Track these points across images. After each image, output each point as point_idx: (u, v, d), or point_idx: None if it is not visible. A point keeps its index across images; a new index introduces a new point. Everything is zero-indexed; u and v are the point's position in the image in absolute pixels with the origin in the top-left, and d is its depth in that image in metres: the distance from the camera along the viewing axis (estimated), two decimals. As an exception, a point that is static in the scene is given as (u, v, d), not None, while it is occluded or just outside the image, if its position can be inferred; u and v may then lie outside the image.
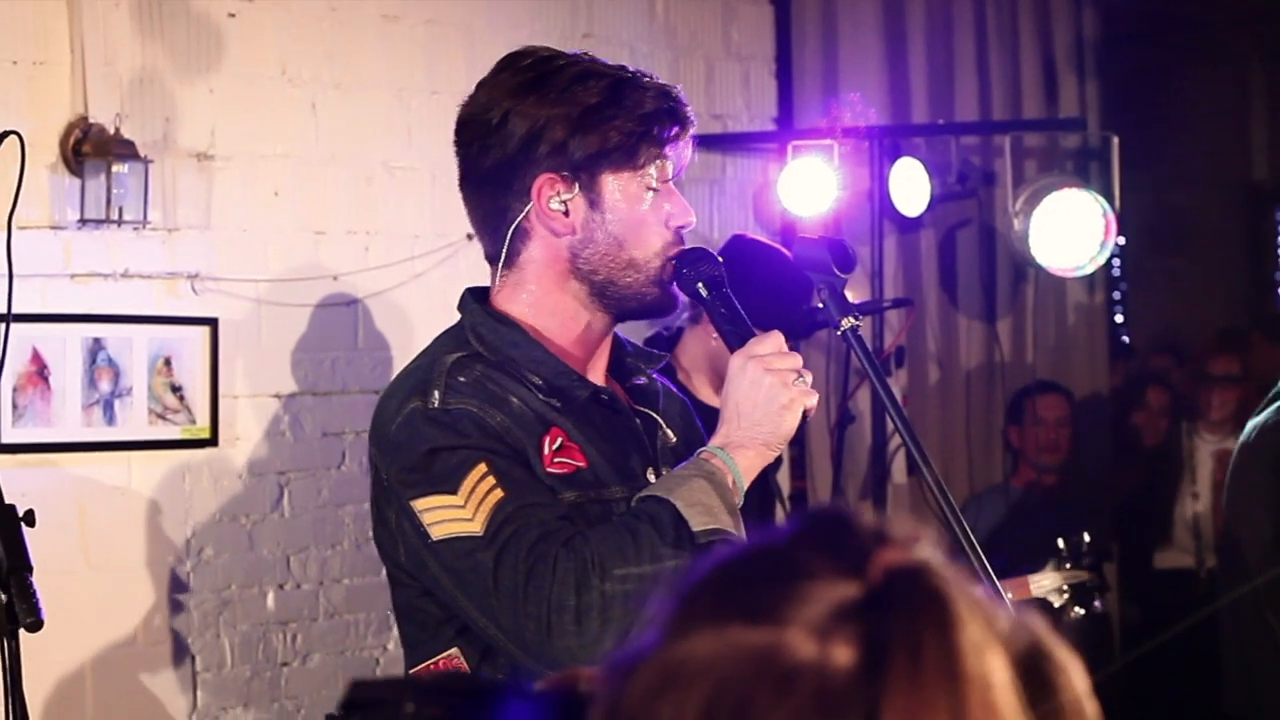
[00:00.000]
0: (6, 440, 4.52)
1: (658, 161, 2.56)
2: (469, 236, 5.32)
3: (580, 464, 2.51)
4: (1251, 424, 4.13)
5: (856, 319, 2.63)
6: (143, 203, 4.64)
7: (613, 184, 2.55)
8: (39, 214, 4.58)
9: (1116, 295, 8.61)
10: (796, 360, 2.53)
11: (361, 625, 5.24)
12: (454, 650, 2.51)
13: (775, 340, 2.53)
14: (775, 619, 1.04)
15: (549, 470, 2.48)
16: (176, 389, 4.84)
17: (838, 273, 2.63)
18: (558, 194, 2.56)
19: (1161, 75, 8.63)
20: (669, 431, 2.70)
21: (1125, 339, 8.60)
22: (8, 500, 2.90)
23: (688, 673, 1.04)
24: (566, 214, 2.57)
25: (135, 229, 4.71)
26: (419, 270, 5.34)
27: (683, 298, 2.62)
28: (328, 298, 5.17)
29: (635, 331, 4.37)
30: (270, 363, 5.06)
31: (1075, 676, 1.09)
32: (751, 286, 4.46)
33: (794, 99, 6.59)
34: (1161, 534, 7.33)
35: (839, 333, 2.64)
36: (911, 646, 1.01)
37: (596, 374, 2.66)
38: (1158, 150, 8.23)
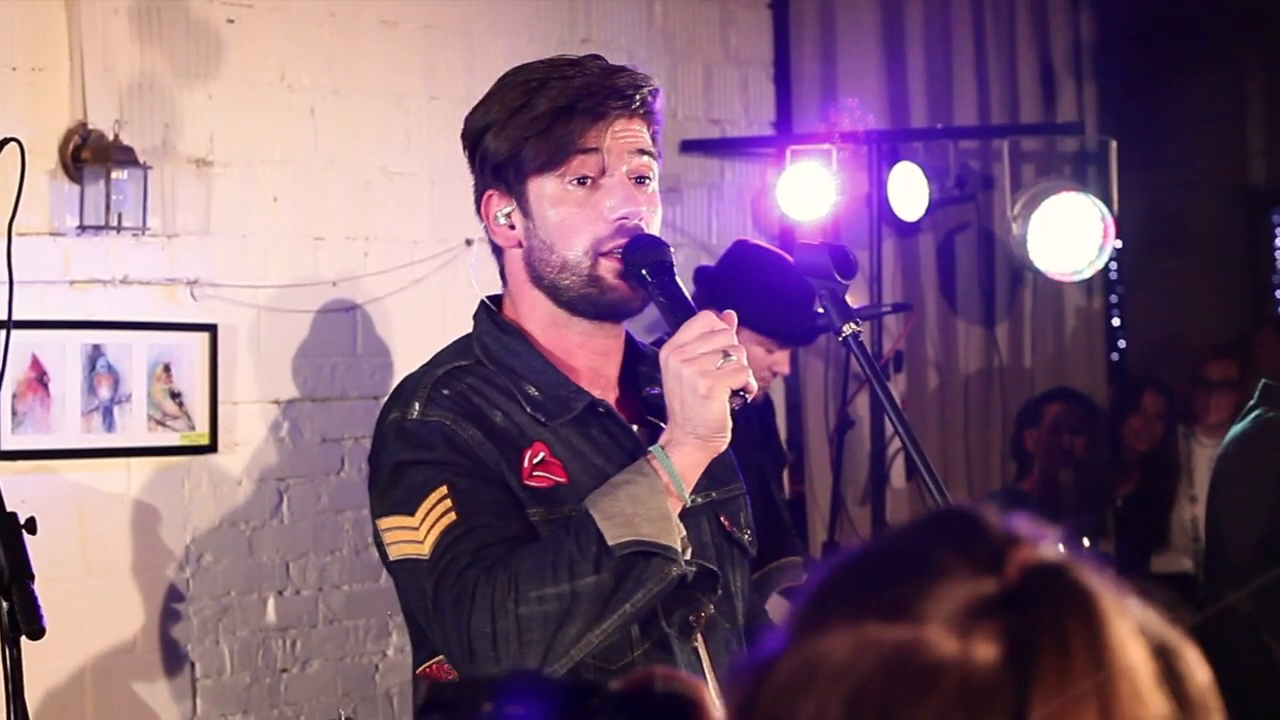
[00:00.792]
0: (6, 447, 4.51)
1: (578, 156, 2.49)
2: (468, 242, 5.34)
3: (560, 479, 2.49)
4: (1230, 434, 4.12)
5: (857, 324, 2.60)
6: (142, 209, 4.64)
7: (537, 188, 2.52)
8: (38, 220, 4.58)
9: (1114, 299, 8.61)
10: (725, 339, 2.38)
11: (361, 631, 5.24)
12: (442, 657, 2.52)
13: (701, 322, 2.40)
14: (913, 616, 1.06)
15: (526, 484, 2.46)
16: (176, 395, 4.84)
17: (839, 278, 2.61)
18: (501, 208, 2.56)
19: (1159, 79, 8.63)
20: None
21: (1115, 356, 8.60)
22: (8, 508, 2.90)
23: (827, 671, 1.06)
24: (513, 227, 2.56)
25: (134, 235, 4.71)
26: (418, 276, 5.34)
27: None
28: (327, 303, 5.17)
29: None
30: (269, 369, 5.06)
31: (1200, 668, 1.11)
32: (756, 292, 4.49)
33: (792, 104, 6.59)
34: (1159, 537, 7.33)
35: (840, 338, 2.61)
36: (1059, 642, 1.04)
37: (602, 382, 2.63)
38: (1155, 154, 8.23)
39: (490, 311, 2.64)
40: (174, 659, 4.88)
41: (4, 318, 3.51)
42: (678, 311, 2.47)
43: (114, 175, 4.57)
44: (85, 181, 4.59)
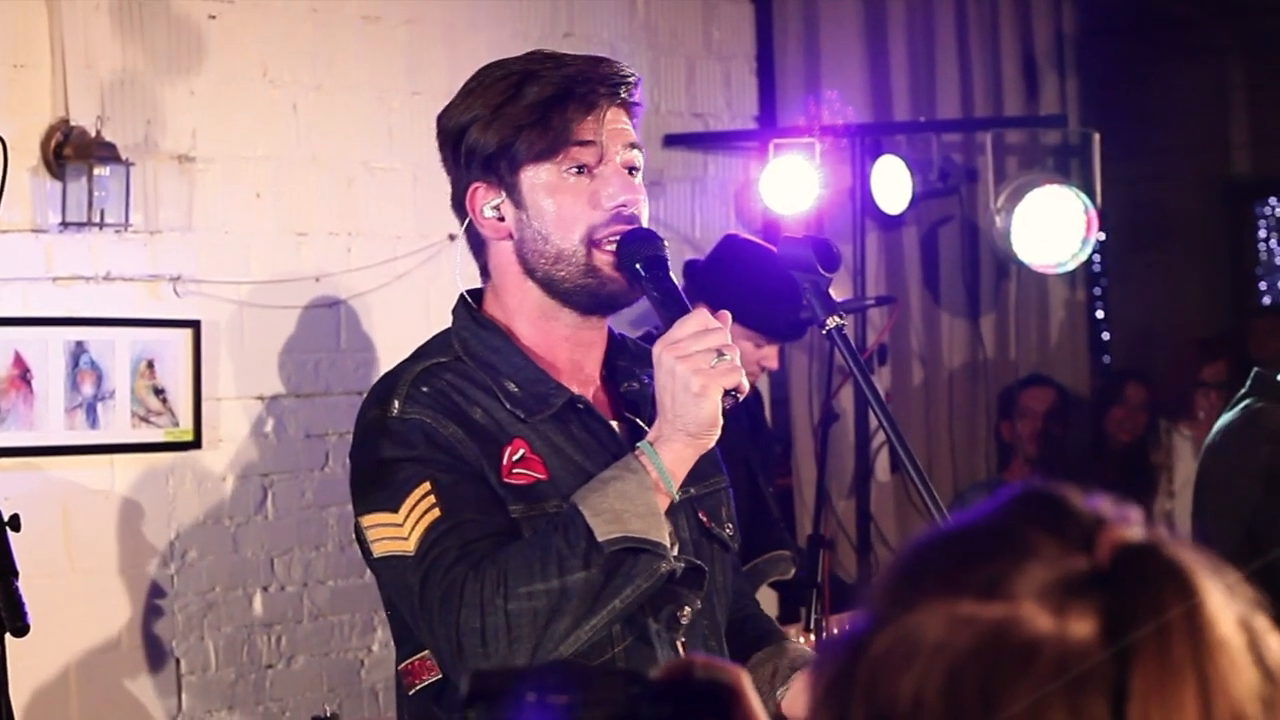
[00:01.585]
0: (-11, 444, 4.52)
1: (575, 146, 2.49)
2: (451, 237, 5.33)
3: (540, 476, 2.48)
4: (1218, 424, 4.13)
5: (841, 317, 2.60)
6: (124, 205, 4.63)
7: (531, 178, 2.51)
8: (20, 217, 4.57)
9: (1098, 291, 8.62)
10: (719, 337, 2.38)
11: (346, 627, 5.24)
12: (426, 651, 2.51)
13: (696, 319, 2.39)
14: (1006, 594, 1.09)
15: (506, 481, 2.46)
16: (159, 391, 4.83)
17: (822, 271, 2.61)
18: (489, 201, 2.55)
19: (1141, 70, 8.64)
20: None
21: (1099, 348, 8.61)
22: (-8, 505, 2.89)
23: (926, 648, 1.09)
24: (502, 219, 2.55)
25: (117, 231, 4.71)
26: (401, 271, 5.34)
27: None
28: (310, 299, 5.16)
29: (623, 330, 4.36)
30: (253, 365, 5.05)
31: (1275, 638, 1.14)
32: (745, 287, 4.49)
33: (775, 97, 6.59)
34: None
35: (824, 331, 2.61)
36: (1158, 618, 1.06)
37: (583, 377, 2.62)
38: (1138, 146, 8.24)
39: (469, 307, 2.63)
40: (159, 655, 4.87)
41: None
42: (671, 307, 2.46)
43: (96, 171, 4.57)
44: (67, 178, 4.58)
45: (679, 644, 2.54)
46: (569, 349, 2.60)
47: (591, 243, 2.51)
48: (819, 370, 6.17)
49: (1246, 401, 4.06)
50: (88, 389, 4.70)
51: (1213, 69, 8.79)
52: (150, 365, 4.81)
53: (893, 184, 6.07)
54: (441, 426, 2.46)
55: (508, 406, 2.51)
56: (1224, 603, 1.10)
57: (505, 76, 2.53)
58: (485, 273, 2.64)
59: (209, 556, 4.96)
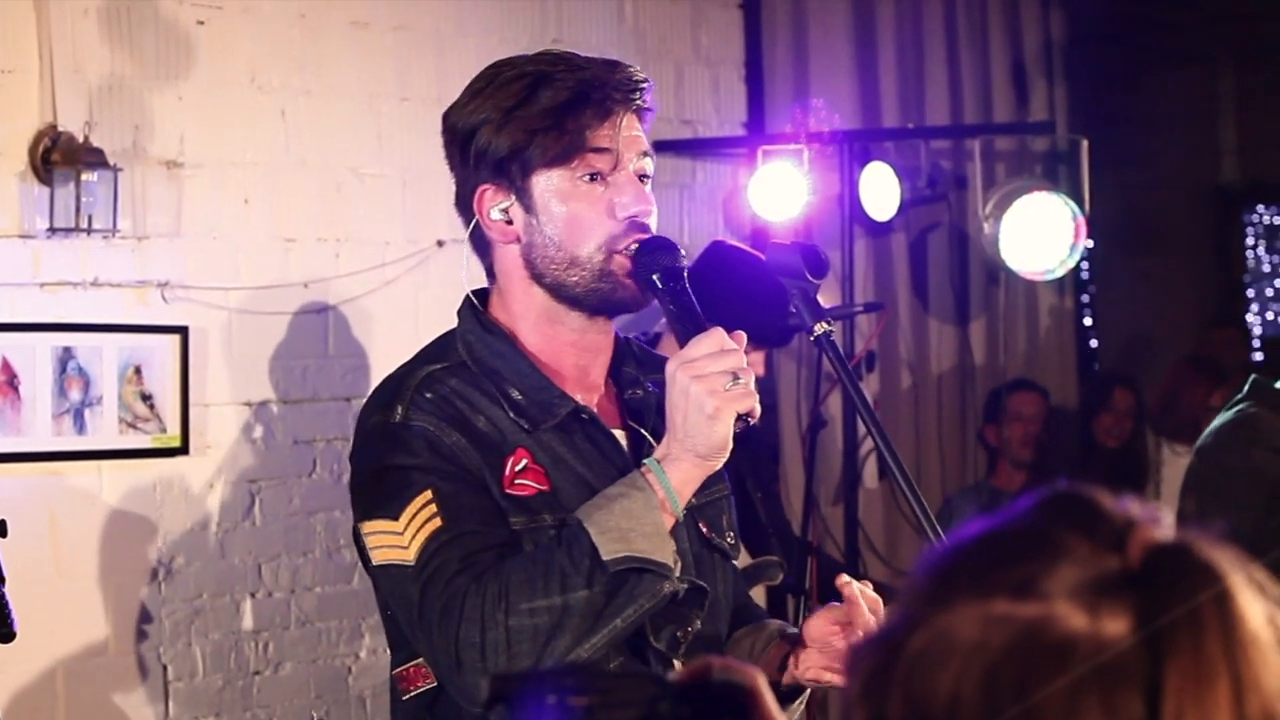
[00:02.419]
0: (-24, 450, 4.51)
1: (590, 153, 2.48)
2: (439, 243, 5.33)
3: (542, 487, 2.46)
4: (1211, 426, 4.15)
5: (829, 324, 2.58)
6: (112, 211, 4.62)
7: (543, 183, 2.49)
8: (8, 223, 4.57)
9: (1086, 298, 8.63)
10: (735, 360, 2.36)
11: (334, 633, 5.23)
12: (421, 659, 2.50)
13: (712, 339, 2.37)
14: (1039, 594, 1.11)
15: (508, 492, 2.44)
16: (147, 398, 4.83)
17: (810, 278, 2.60)
18: (497, 203, 2.53)
19: (1130, 77, 8.66)
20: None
21: (1087, 355, 8.62)
22: (-22, 511, 2.89)
23: (962, 646, 1.11)
24: (510, 222, 2.53)
25: (105, 237, 4.70)
26: (390, 277, 5.33)
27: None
28: (298, 305, 5.16)
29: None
30: (241, 371, 5.05)
31: None
32: (731, 293, 4.49)
33: (764, 104, 6.59)
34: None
35: (811, 338, 2.59)
36: (1191, 615, 1.09)
37: (588, 383, 2.60)
38: (1126, 153, 8.25)
39: (475, 310, 2.60)
40: (146, 662, 4.86)
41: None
42: (688, 323, 2.43)
43: (84, 177, 4.56)
44: (55, 183, 4.57)
45: (677, 665, 2.51)
46: (575, 354, 2.58)
47: (611, 251, 2.49)
48: (807, 377, 6.17)
49: (1242, 405, 4.08)
50: (75, 395, 4.69)
51: (1202, 76, 8.82)
52: (138, 371, 4.81)
53: (881, 190, 6.07)
54: (445, 434, 2.44)
55: (512, 415, 2.49)
56: (1254, 600, 1.12)
57: (518, 77, 2.51)
58: (490, 274, 2.62)
59: (196, 563, 4.95)
